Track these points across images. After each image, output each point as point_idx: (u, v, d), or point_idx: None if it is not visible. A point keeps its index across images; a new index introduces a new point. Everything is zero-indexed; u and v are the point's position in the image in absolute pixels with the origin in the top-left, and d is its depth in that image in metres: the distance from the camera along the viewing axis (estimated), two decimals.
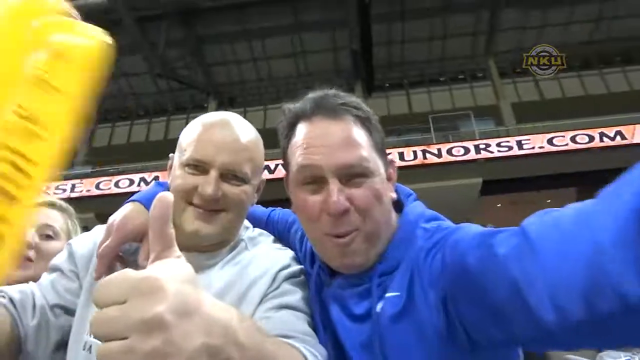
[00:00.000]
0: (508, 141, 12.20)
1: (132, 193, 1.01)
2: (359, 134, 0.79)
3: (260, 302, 0.83)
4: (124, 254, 0.91)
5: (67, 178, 14.00)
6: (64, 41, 0.44)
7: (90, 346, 0.82)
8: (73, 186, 13.19)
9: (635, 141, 11.35)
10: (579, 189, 12.66)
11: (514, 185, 12.06)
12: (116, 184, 12.83)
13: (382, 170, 0.82)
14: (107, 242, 0.87)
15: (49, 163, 0.42)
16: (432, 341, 0.68)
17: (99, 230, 0.97)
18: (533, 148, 11.84)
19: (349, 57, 15.54)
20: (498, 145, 12.14)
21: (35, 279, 1.02)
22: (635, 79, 16.81)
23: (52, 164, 0.43)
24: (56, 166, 0.44)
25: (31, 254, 1.16)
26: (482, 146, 12.19)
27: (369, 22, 14.16)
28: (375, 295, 0.77)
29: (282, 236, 1.11)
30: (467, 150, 12.18)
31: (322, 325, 0.84)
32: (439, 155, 12.13)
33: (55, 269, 0.95)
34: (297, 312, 0.81)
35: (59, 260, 0.96)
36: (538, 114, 14.99)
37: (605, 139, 11.57)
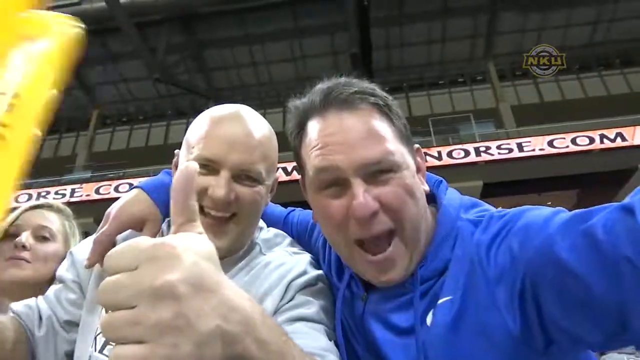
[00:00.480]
0: (508, 143, 12.19)
1: None
2: (380, 125, 0.70)
3: (273, 316, 0.75)
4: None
5: (66, 183, 14.02)
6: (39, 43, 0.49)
7: None
8: (73, 191, 13.19)
9: (635, 142, 11.33)
10: (580, 190, 12.66)
11: (515, 188, 12.05)
12: (116, 189, 12.83)
13: (410, 161, 0.73)
14: (104, 228, 0.82)
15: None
16: (499, 345, 0.60)
17: None
18: (533, 150, 11.83)
19: (348, 61, 15.57)
20: (498, 147, 12.13)
21: (32, 278, 1.09)
22: (635, 80, 16.82)
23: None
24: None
25: (27, 255, 1.16)
26: (482, 149, 12.18)
27: (368, 26, 14.20)
28: (419, 306, 0.68)
29: (301, 240, 1.02)
30: (467, 153, 12.17)
31: (359, 345, 0.77)
32: (439, 158, 12.12)
33: (60, 280, 0.92)
34: (314, 324, 0.74)
35: (62, 270, 0.93)
36: (538, 116, 14.99)
37: (605, 140, 11.55)
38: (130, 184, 12.72)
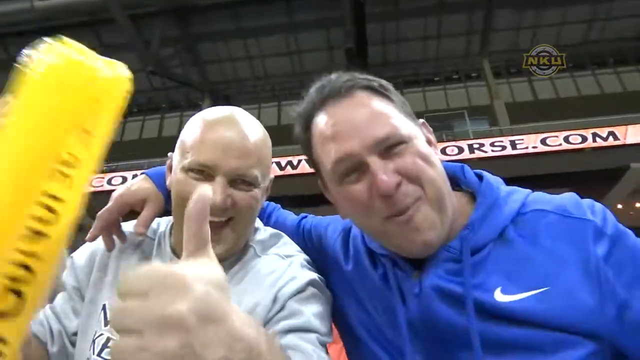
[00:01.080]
0: (502, 141, 12.25)
1: None
2: (380, 104, 0.73)
3: (264, 327, 0.73)
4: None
5: None
6: (97, 85, 0.44)
7: None
8: None
9: (627, 141, 11.43)
10: (572, 189, 12.73)
11: (507, 185, 12.11)
12: (109, 182, 12.74)
13: (418, 132, 0.75)
14: (108, 205, 0.88)
15: (76, 200, 0.43)
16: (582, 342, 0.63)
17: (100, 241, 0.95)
18: (526, 148, 11.89)
19: (343, 55, 15.52)
20: (492, 145, 12.18)
21: None
22: (628, 79, 16.94)
23: (78, 200, 0.44)
24: (82, 202, 0.44)
25: None
26: (475, 146, 12.23)
27: (363, 21, 14.16)
28: (470, 275, 0.69)
29: (315, 246, 1.01)
30: (461, 150, 12.21)
31: (415, 343, 0.74)
32: None
33: (64, 288, 0.94)
34: (304, 334, 0.72)
35: (65, 276, 0.95)
36: (532, 114, 15.06)
37: (598, 139, 11.64)
38: (124, 177, 12.65)
